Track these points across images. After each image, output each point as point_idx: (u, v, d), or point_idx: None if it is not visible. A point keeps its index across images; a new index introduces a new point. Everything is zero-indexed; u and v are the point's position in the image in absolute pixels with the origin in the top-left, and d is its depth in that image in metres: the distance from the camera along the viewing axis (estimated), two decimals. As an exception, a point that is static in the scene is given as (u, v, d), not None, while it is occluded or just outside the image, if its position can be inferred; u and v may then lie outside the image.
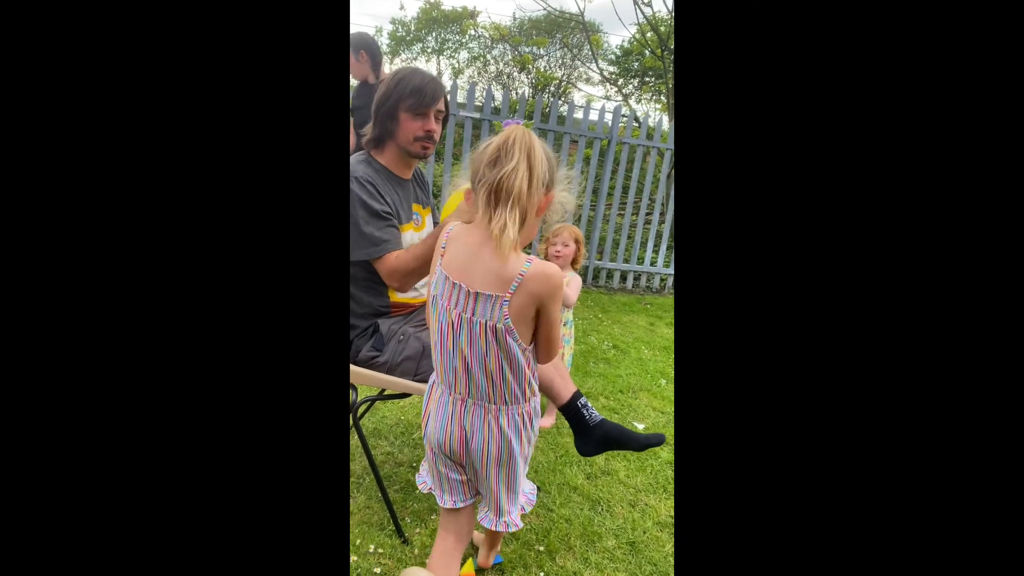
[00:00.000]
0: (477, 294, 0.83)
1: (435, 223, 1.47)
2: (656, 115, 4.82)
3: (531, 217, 0.82)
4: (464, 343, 0.85)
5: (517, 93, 9.11)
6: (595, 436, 1.19)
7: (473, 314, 0.83)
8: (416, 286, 1.39)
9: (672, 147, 4.15)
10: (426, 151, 1.29)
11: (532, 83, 9.89)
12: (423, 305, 1.45)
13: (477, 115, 3.53)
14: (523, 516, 1.06)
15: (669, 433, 2.01)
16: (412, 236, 1.35)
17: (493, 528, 1.01)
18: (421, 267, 1.28)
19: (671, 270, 4.40)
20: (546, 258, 1.84)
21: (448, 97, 1.34)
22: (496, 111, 3.61)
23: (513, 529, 1.02)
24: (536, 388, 0.95)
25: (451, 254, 0.86)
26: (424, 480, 1.05)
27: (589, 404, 1.23)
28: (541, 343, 0.91)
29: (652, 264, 4.41)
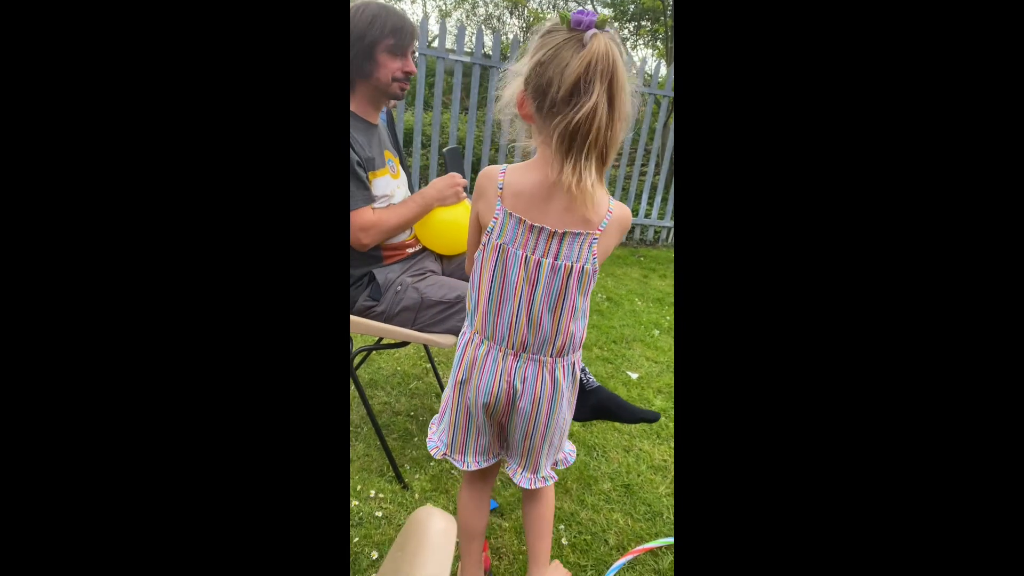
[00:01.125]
0: (564, 234, 0.76)
1: (405, 170, 1.43)
2: (653, 61, 4.65)
3: (612, 150, 0.72)
4: (540, 290, 0.79)
5: (508, 37, 8.73)
6: (590, 401, 1.19)
7: (556, 257, 0.77)
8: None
9: (669, 94, 4.04)
10: (404, 91, 1.28)
11: (523, 26, 9.48)
12: (418, 252, 1.42)
13: (467, 59, 3.38)
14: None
15: (663, 382, 2.04)
16: (388, 182, 1.29)
17: (531, 487, 0.93)
18: (396, 230, 1.27)
19: (666, 222, 4.37)
20: None
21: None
22: (487, 56, 3.46)
23: (551, 483, 0.96)
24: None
25: (516, 196, 0.77)
26: (437, 444, 0.95)
27: (588, 370, 1.22)
28: None
29: (647, 216, 4.38)
